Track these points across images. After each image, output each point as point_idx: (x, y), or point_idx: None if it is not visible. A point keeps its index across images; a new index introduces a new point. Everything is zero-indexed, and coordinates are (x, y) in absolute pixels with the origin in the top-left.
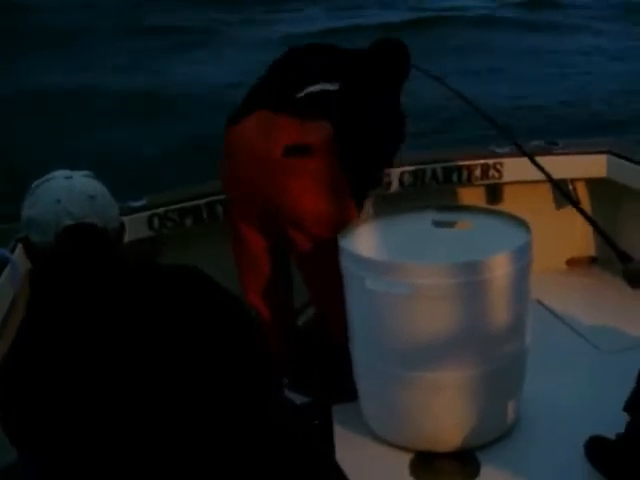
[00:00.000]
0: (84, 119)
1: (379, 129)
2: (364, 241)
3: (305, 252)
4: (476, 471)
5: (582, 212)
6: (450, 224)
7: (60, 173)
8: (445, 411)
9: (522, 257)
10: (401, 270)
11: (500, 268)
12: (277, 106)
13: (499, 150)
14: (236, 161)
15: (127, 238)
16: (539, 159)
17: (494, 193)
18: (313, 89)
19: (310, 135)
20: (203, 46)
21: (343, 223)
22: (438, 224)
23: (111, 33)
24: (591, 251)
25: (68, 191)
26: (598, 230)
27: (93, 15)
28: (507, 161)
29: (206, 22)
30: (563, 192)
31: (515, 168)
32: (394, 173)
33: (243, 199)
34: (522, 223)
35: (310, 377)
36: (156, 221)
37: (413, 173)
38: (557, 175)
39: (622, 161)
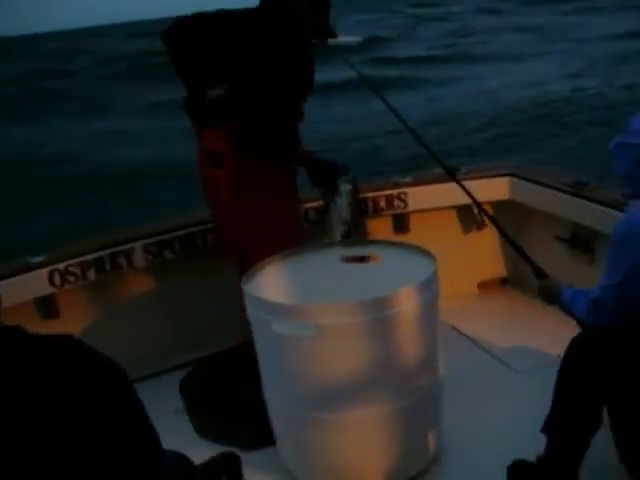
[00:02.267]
0: None
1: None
2: (269, 284)
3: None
4: None
5: (502, 231)
6: (357, 259)
7: None
8: (364, 450)
9: (428, 289)
10: (306, 312)
11: (406, 302)
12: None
13: (401, 180)
14: None
15: (30, 296)
16: (442, 186)
17: (400, 223)
18: (211, 94)
19: (218, 143)
20: None
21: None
22: (346, 260)
23: None
24: (502, 272)
25: None
26: (516, 248)
27: None
28: (410, 190)
29: None
30: (487, 214)
31: (419, 197)
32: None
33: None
34: (427, 254)
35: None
36: (57, 277)
37: (317, 209)
38: (462, 200)
39: (525, 182)
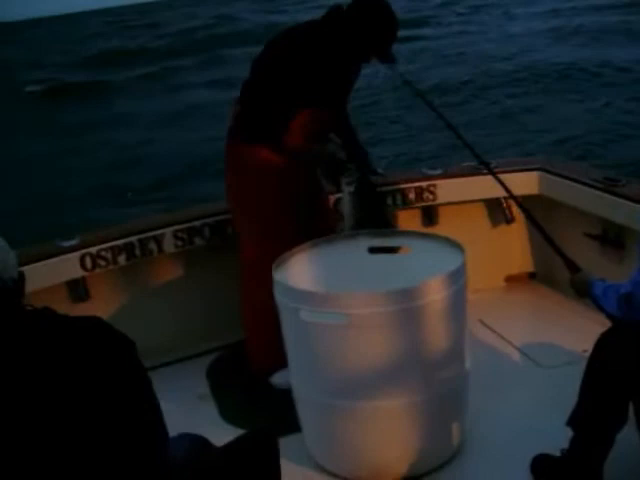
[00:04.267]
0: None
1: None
2: (298, 272)
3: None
4: None
5: (535, 223)
6: (385, 250)
7: None
8: (388, 440)
9: (457, 280)
10: (335, 300)
11: (435, 292)
12: None
13: (431, 172)
14: None
15: (61, 279)
16: (472, 179)
17: (430, 215)
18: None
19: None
20: None
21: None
22: (373, 250)
23: None
24: (529, 267)
25: None
26: (549, 241)
27: None
28: (440, 183)
29: None
30: (521, 207)
31: (449, 189)
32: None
33: None
34: (456, 245)
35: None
36: (88, 260)
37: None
38: (491, 194)
39: (554, 177)
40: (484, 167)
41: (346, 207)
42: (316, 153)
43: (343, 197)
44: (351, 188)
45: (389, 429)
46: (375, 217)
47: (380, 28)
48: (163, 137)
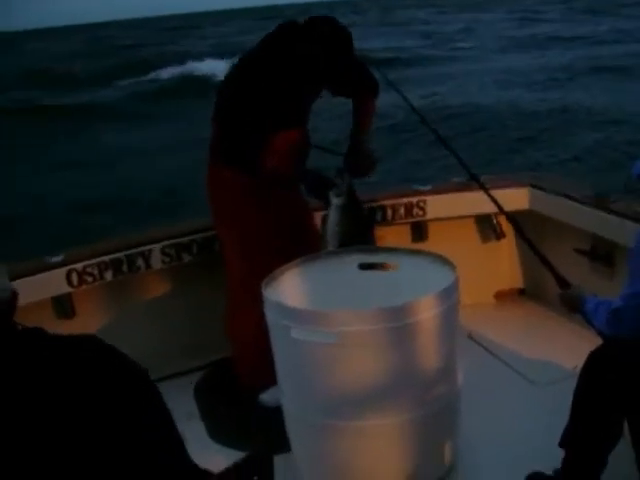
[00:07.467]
0: None
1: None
2: (288, 289)
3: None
4: None
5: (526, 239)
6: (375, 267)
7: None
8: (379, 459)
9: (449, 297)
10: (326, 318)
11: (427, 310)
12: None
13: (422, 188)
14: None
15: (47, 294)
16: (462, 195)
17: (419, 231)
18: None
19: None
20: None
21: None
22: (363, 267)
23: None
24: (519, 283)
25: None
26: (540, 257)
27: None
28: (430, 198)
29: None
30: (513, 223)
31: (438, 205)
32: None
33: None
34: (447, 262)
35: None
36: (75, 277)
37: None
38: (481, 210)
39: (545, 193)
40: (474, 182)
41: (332, 221)
42: (301, 171)
43: (330, 210)
44: (339, 201)
45: (380, 448)
46: (361, 232)
47: (334, 38)
48: None
